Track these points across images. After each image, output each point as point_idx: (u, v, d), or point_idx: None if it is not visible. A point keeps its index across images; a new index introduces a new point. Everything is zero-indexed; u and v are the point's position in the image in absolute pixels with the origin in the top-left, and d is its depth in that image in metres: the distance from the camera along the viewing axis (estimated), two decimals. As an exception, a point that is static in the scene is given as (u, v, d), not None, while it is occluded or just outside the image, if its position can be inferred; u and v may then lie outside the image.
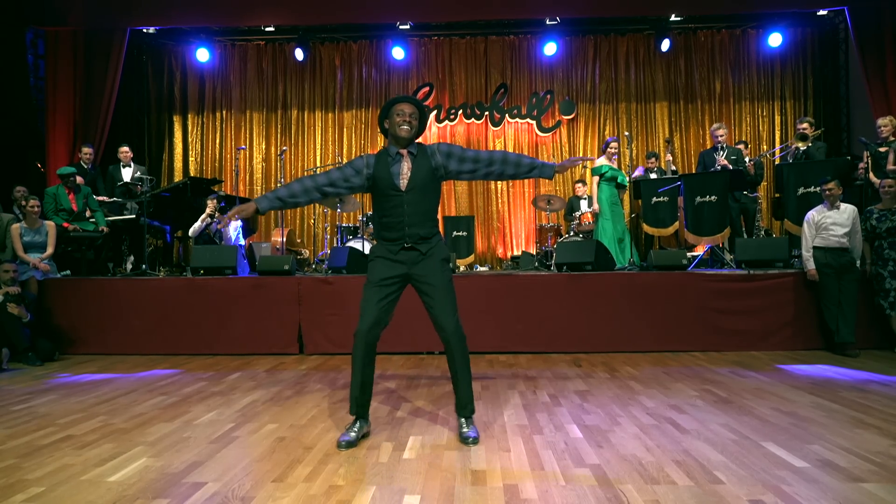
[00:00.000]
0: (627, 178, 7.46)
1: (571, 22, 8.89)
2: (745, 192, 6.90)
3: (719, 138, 6.84)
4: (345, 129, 9.49)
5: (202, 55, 9.16)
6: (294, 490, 2.33)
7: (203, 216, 6.80)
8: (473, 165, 2.91)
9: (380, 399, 3.75)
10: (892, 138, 5.94)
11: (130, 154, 7.53)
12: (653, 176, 7.54)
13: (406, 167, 2.81)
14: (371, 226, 7.30)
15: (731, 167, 6.59)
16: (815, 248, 5.07)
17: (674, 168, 7.92)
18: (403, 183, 2.80)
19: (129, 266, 7.32)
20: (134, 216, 7.09)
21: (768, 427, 3.04)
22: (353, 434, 2.85)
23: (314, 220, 9.08)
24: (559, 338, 5.32)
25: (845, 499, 2.18)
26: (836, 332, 4.95)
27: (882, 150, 5.92)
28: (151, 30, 8.88)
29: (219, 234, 6.99)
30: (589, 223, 7.41)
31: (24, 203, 5.90)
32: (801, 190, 6.13)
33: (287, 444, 2.88)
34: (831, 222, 5.01)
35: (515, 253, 8.93)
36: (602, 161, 7.29)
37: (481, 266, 8.68)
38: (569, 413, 3.37)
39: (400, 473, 2.49)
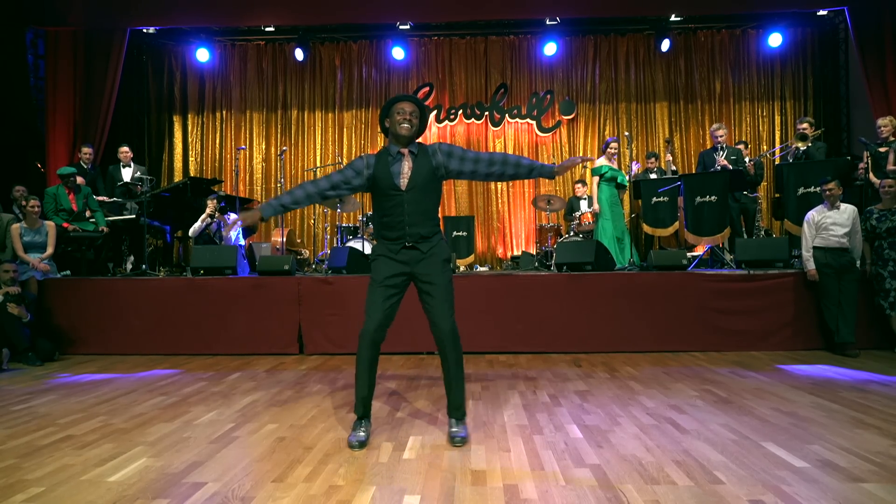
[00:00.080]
0: (627, 177, 7.46)
1: (571, 22, 8.89)
2: (745, 192, 6.90)
3: (719, 138, 6.84)
4: (345, 129, 9.49)
5: (202, 55, 9.16)
6: (294, 490, 2.33)
7: (203, 216, 6.81)
8: (474, 166, 2.90)
9: (380, 399, 3.75)
10: (892, 138, 5.94)
11: (130, 154, 7.54)
12: (653, 176, 7.54)
13: (407, 166, 2.81)
14: (371, 226, 7.30)
15: (730, 167, 6.59)
16: (815, 248, 5.08)
17: (674, 168, 7.92)
18: (404, 182, 2.79)
19: (129, 266, 7.32)
20: (134, 216, 7.09)
21: (768, 427, 3.04)
22: (363, 433, 2.84)
23: (314, 220, 9.08)
24: (559, 338, 5.32)
25: (845, 499, 2.18)
26: (836, 332, 4.95)
27: (882, 150, 5.93)
28: (151, 30, 8.88)
29: (219, 234, 6.99)
30: (589, 223, 7.42)
31: (24, 203, 5.90)
32: (801, 190, 6.13)
33: (287, 444, 2.88)
34: (831, 222, 5.01)
35: (515, 253, 8.93)
36: (602, 161, 7.30)
37: (481, 266, 8.68)
38: (569, 413, 3.37)
39: (400, 473, 2.49)
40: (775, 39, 8.73)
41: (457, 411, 2.93)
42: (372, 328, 2.79)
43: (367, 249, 6.70)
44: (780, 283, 5.28)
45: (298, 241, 9.16)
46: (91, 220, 6.51)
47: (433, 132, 9.30)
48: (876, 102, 7.27)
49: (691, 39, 9.17)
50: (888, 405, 3.42)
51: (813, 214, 5.14)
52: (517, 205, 9.30)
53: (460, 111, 9.30)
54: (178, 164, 9.56)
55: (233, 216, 7.22)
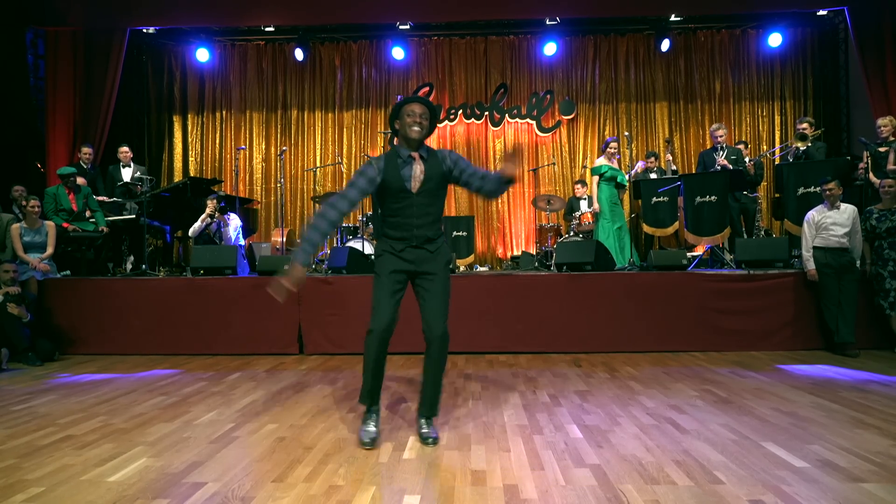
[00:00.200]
0: (627, 177, 7.46)
1: (571, 22, 8.88)
2: (745, 192, 6.90)
3: (719, 139, 6.84)
4: (345, 129, 9.49)
5: (202, 55, 9.16)
6: (294, 490, 2.33)
7: (203, 216, 6.80)
8: (469, 178, 2.88)
9: (380, 398, 3.74)
10: (891, 138, 5.94)
11: (130, 154, 7.53)
12: (653, 176, 7.54)
13: (418, 170, 2.79)
14: (371, 226, 7.30)
15: (730, 167, 6.59)
16: (815, 248, 5.08)
17: (674, 168, 7.92)
18: (415, 185, 2.78)
19: (129, 266, 7.32)
20: (134, 216, 7.09)
21: (768, 427, 3.04)
22: (373, 427, 2.85)
23: (314, 220, 9.07)
24: (559, 338, 5.32)
25: (845, 499, 2.18)
26: (836, 332, 4.96)
27: (882, 150, 5.93)
28: (151, 30, 8.88)
29: (218, 234, 6.99)
30: (589, 223, 7.42)
31: (24, 203, 5.90)
32: (800, 190, 6.13)
33: (287, 444, 2.88)
34: (831, 222, 5.01)
35: (515, 253, 8.93)
36: (602, 161, 7.30)
37: (481, 266, 8.68)
38: (569, 413, 3.37)
39: (400, 473, 2.49)
40: (775, 39, 8.73)
41: (432, 409, 2.94)
42: (383, 325, 2.78)
43: (368, 249, 6.69)
44: (780, 283, 5.28)
45: (298, 241, 9.14)
46: (91, 220, 6.51)
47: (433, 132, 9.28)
48: (876, 102, 7.27)
49: (691, 39, 9.17)
50: (888, 405, 3.42)
51: (813, 214, 5.14)
52: (517, 205, 9.30)
53: (460, 111, 9.30)
54: (178, 164, 9.56)
55: (233, 216, 7.23)
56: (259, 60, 9.52)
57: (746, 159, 6.96)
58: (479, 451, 2.74)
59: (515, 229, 9.28)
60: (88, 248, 6.47)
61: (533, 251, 7.93)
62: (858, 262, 5.09)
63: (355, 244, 6.76)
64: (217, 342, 5.45)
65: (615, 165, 7.31)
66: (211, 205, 6.80)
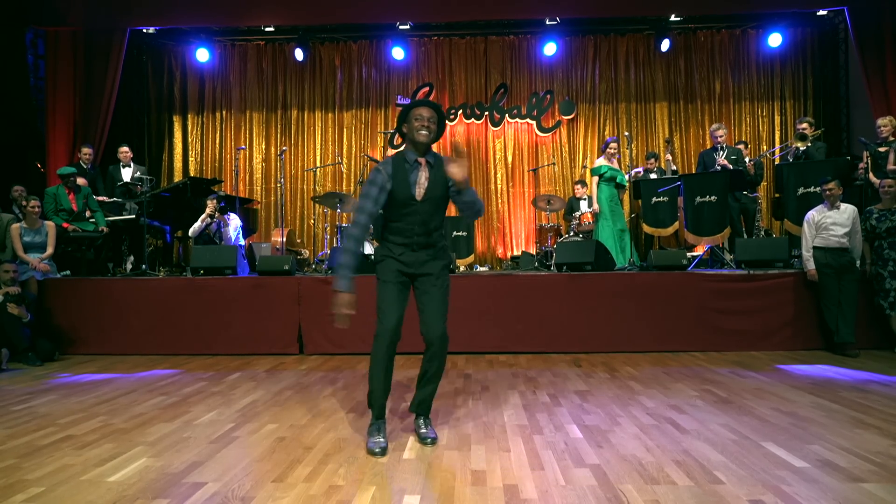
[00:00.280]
0: (627, 178, 7.46)
1: (571, 22, 8.88)
2: (745, 192, 6.90)
3: (719, 139, 6.84)
4: (345, 129, 9.48)
5: (202, 55, 9.15)
6: (294, 490, 2.33)
7: (203, 216, 6.80)
8: (454, 195, 2.87)
9: (380, 399, 3.75)
10: (891, 138, 5.94)
11: (130, 154, 7.54)
12: (653, 176, 7.54)
13: (424, 177, 2.80)
14: (371, 226, 7.27)
15: (731, 167, 6.59)
16: (815, 248, 5.08)
17: (674, 168, 7.92)
18: (420, 192, 2.79)
19: (129, 266, 7.32)
20: (134, 216, 7.09)
21: (768, 427, 3.04)
22: (382, 439, 2.80)
23: (314, 220, 9.08)
24: (559, 338, 5.32)
25: (845, 499, 2.18)
26: (836, 332, 4.96)
27: (882, 150, 5.93)
28: (151, 30, 8.87)
29: (218, 234, 6.99)
30: (589, 223, 7.42)
31: (24, 203, 5.90)
32: (800, 190, 6.14)
33: (287, 444, 2.88)
34: (831, 222, 5.01)
35: (515, 253, 8.93)
36: (601, 161, 7.30)
37: (481, 266, 8.67)
38: (569, 413, 3.37)
39: (400, 473, 2.49)
40: (775, 39, 8.73)
41: (425, 408, 2.95)
42: (391, 326, 2.76)
43: (368, 249, 6.69)
44: (780, 283, 5.28)
45: (298, 241, 9.15)
46: (91, 220, 6.51)
47: (433, 132, 9.29)
48: (876, 102, 7.26)
49: (691, 39, 9.17)
50: (888, 405, 3.42)
51: (813, 214, 5.14)
52: (517, 205, 9.30)
53: (460, 111, 9.30)
54: (178, 164, 9.56)
55: (233, 216, 7.23)
56: (259, 60, 9.51)
57: (746, 159, 6.96)
58: (479, 451, 2.74)
59: (515, 229, 9.28)
60: (88, 248, 6.47)
61: (533, 251, 7.93)
62: (858, 262, 5.09)
63: (355, 244, 6.74)
64: (217, 342, 5.45)
65: (615, 166, 7.31)
66: (211, 205, 6.80)
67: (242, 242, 7.38)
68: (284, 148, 8.78)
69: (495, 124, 9.29)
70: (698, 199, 6.32)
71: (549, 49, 8.94)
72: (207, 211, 6.80)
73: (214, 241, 6.87)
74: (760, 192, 7.52)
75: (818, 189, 5.45)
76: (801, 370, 4.45)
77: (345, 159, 9.36)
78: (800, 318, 5.24)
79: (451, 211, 9.10)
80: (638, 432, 2.99)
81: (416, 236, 2.83)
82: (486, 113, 9.30)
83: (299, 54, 8.99)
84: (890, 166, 5.76)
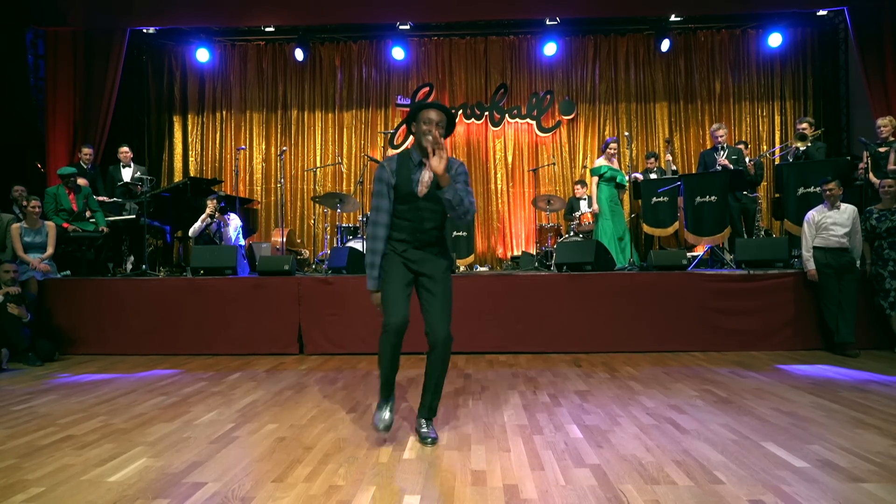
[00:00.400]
0: (627, 179, 7.47)
1: (571, 22, 8.88)
2: (745, 192, 6.90)
3: (719, 138, 6.84)
4: (345, 129, 9.48)
5: (202, 55, 9.15)
6: (294, 490, 2.33)
7: (203, 216, 6.80)
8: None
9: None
10: (891, 138, 5.94)
11: (130, 154, 7.54)
12: (653, 176, 7.54)
13: (427, 176, 2.80)
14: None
15: (731, 167, 6.59)
16: (815, 248, 5.08)
17: (674, 168, 7.92)
18: (422, 190, 2.81)
19: (129, 266, 7.32)
20: (134, 216, 7.09)
21: (768, 427, 3.04)
22: (387, 414, 2.85)
23: (314, 220, 9.08)
24: (559, 338, 5.32)
25: (845, 499, 2.18)
26: (836, 332, 4.96)
27: (882, 150, 5.93)
28: (151, 30, 8.87)
29: (218, 234, 6.99)
30: (589, 223, 7.42)
31: (24, 203, 5.90)
32: (800, 190, 6.14)
33: (287, 444, 2.89)
34: (831, 222, 5.01)
35: (515, 253, 8.93)
36: (601, 162, 7.30)
37: (481, 266, 8.68)
38: (569, 413, 3.37)
39: (400, 473, 2.49)
40: (775, 39, 8.73)
41: (432, 412, 2.96)
42: (398, 319, 2.75)
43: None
44: (780, 283, 5.28)
45: (298, 241, 9.15)
46: (91, 220, 6.51)
47: (433, 132, 9.28)
48: (876, 102, 7.26)
49: (691, 39, 9.17)
50: (888, 405, 3.42)
51: (813, 214, 5.14)
52: (517, 205, 9.30)
53: (460, 111, 9.30)
54: (178, 164, 9.56)
55: (233, 216, 7.23)
56: (259, 60, 9.51)
57: (747, 159, 6.96)
58: (479, 451, 2.74)
59: (515, 229, 9.28)
60: (88, 249, 6.47)
61: (533, 251, 7.94)
62: (858, 262, 5.09)
63: (355, 244, 6.76)
64: (217, 342, 5.45)
65: (615, 166, 7.31)
66: (211, 205, 6.80)
67: (242, 242, 7.38)
68: (284, 148, 8.78)
69: (495, 124, 9.29)
70: (698, 199, 6.32)
71: (549, 49, 8.94)
72: (207, 211, 6.80)
73: (214, 241, 6.87)
74: (760, 192, 7.52)
75: (818, 189, 5.45)
76: (801, 370, 4.45)
77: (345, 159, 9.36)
78: (800, 318, 5.24)
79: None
80: (638, 432, 2.99)
81: (419, 233, 2.84)
82: (486, 113, 9.30)
83: (299, 54, 9.00)
84: (890, 166, 5.76)
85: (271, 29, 8.97)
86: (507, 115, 9.30)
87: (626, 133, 8.54)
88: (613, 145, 7.30)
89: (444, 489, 2.32)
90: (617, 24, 9.08)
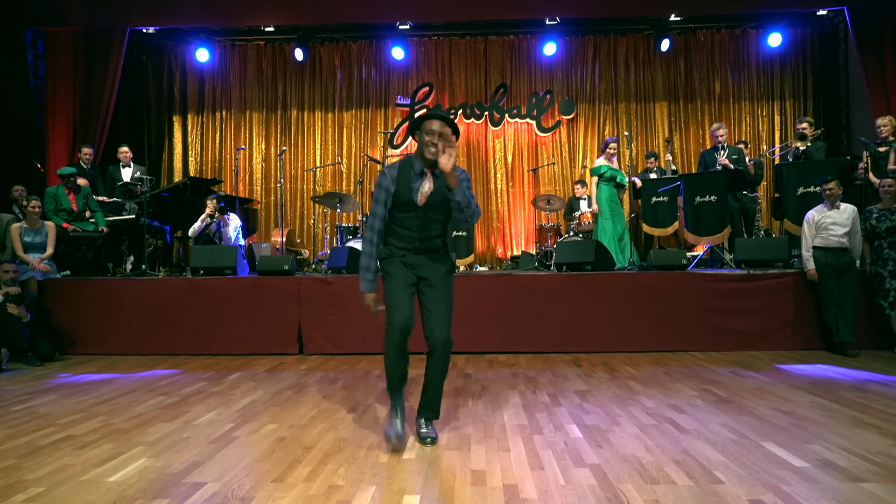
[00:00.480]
0: (627, 179, 7.47)
1: (571, 22, 8.88)
2: (745, 192, 6.90)
3: (720, 138, 6.85)
4: (344, 129, 9.48)
5: (202, 55, 9.15)
6: (294, 490, 2.33)
7: (203, 216, 6.80)
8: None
9: (379, 399, 3.75)
10: (891, 138, 5.94)
11: (130, 154, 7.54)
12: (652, 176, 7.54)
13: (427, 186, 2.81)
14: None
15: (732, 167, 6.60)
16: (814, 247, 5.08)
17: (674, 168, 7.92)
18: (421, 200, 2.81)
19: (129, 266, 7.32)
20: (134, 216, 7.09)
21: (768, 427, 3.04)
22: (399, 425, 2.82)
23: (314, 220, 9.08)
24: (559, 338, 5.32)
25: (845, 499, 2.18)
26: (836, 332, 4.96)
27: (882, 149, 5.93)
28: (151, 30, 8.87)
29: (218, 234, 6.99)
30: (588, 223, 7.42)
31: (24, 203, 5.90)
32: (800, 190, 6.14)
33: (287, 444, 2.89)
34: (831, 222, 5.01)
35: (515, 253, 8.93)
36: (601, 161, 7.30)
37: (481, 266, 8.68)
38: (569, 413, 3.37)
39: (400, 473, 2.49)
40: (775, 39, 8.73)
41: (433, 413, 2.96)
42: (402, 320, 2.74)
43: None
44: (779, 283, 5.28)
45: (298, 241, 9.15)
46: (91, 220, 6.51)
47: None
48: (876, 102, 7.26)
49: (691, 39, 9.16)
50: (888, 405, 3.42)
51: (813, 214, 5.14)
52: (517, 205, 9.30)
53: (460, 111, 9.30)
54: (177, 164, 9.56)
55: (233, 216, 7.23)
56: (259, 60, 9.51)
57: (747, 159, 6.96)
58: (479, 451, 2.75)
59: (515, 229, 9.28)
60: (88, 249, 6.47)
61: (533, 251, 7.94)
62: (858, 262, 5.09)
63: (355, 244, 6.75)
64: (217, 342, 5.45)
65: (615, 166, 7.31)
66: (211, 205, 6.80)
67: (242, 242, 7.38)
68: (284, 148, 8.78)
69: (495, 124, 9.29)
70: (698, 198, 6.32)
71: (549, 49, 8.94)
72: (207, 211, 6.80)
73: (214, 241, 6.87)
74: (760, 192, 7.52)
75: (818, 189, 5.45)
76: (800, 370, 4.45)
77: (345, 159, 9.36)
78: (800, 318, 5.24)
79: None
80: (638, 432, 2.99)
81: (417, 241, 2.85)
82: (486, 113, 9.30)
83: (299, 54, 9.00)
84: (890, 166, 5.77)
85: (271, 29, 8.97)
86: (506, 115, 9.29)
87: (626, 133, 8.54)
88: (613, 145, 7.30)
89: (443, 489, 2.32)
90: (617, 23, 9.08)
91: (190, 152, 9.57)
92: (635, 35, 9.18)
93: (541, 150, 9.31)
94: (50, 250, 5.86)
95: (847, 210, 5.02)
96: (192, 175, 9.18)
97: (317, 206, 8.55)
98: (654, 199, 6.78)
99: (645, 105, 9.24)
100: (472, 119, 9.32)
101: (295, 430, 3.11)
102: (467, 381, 4.24)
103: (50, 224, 5.95)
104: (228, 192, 8.19)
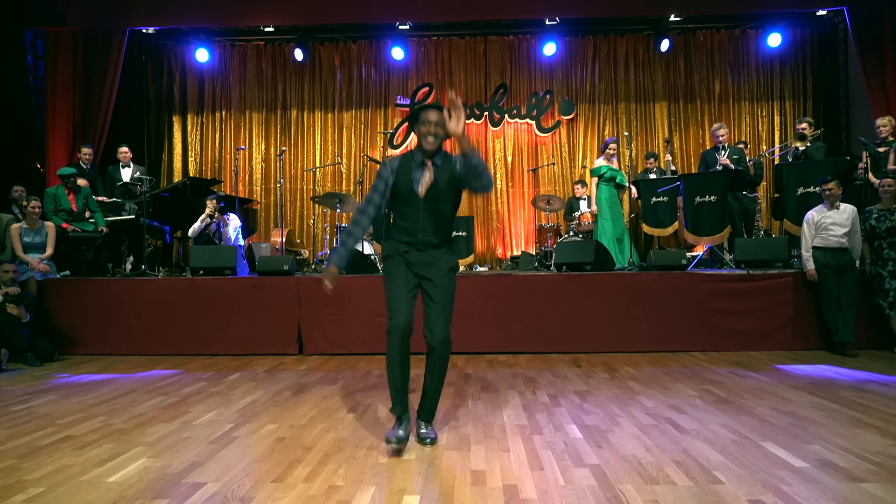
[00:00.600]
0: (627, 180, 7.47)
1: (571, 22, 8.88)
2: (744, 192, 6.91)
3: (720, 138, 6.85)
4: (344, 130, 9.48)
5: (202, 55, 9.15)
6: (294, 490, 2.33)
7: (202, 216, 6.80)
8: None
9: (380, 398, 3.75)
10: (891, 138, 5.95)
11: (130, 154, 7.53)
12: (652, 176, 7.55)
13: (428, 175, 2.80)
14: (371, 226, 7.30)
15: (732, 167, 6.60)
16: (814, 248, 5.08)
17: (673, 168, 7.92)
18: (422, 190, 2.79)
19: (129, 266, 7.31)
20: (133, 216, 7.09)
21: (768, 427, 3.04)
22: (402, 431, 2.77)
23: (314, 220, 9.08)
24: (559, 338, 5.32)
25: (845, 499, 2.18)
26: (836, 332, 4.96)
27: (881, 150, 5.93)
28: (151, 30, 8.86)
29: (218, 234, 6.99)
30: (588, 223, 7.42)
31: (24, 203, 5.90)
32: (800, 190, 6.14)
33: (287, 445, 2.88)
34: (831, 222, 5.01)
35: (515, 253, 8.93)
36: (601, 162, 7.30)
37: (481, 266, 8.68)
38: (568, 413, 3.37)
39: (400, 473, 2.49)
40: (774, 39, 8.73)
41: (430, 414, 2.94)
42: (401, 322, 2.72)
43: (367, 249, 6.70)
44: (779, 283, 5.28)
45: (298, 241, 9.15)
46: (90, 220, 6.51)
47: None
48: (875, 102, 7.27)
49: (691, 39, 9.17)
50: (887, 405, 3.43)
51: (812, 214, 5.14)
52: (517, 205, 9.30)
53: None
54: (177, 164, 9.56)
55: (232, 216, 7.23)
56: (259, 60, 9.51)
57: (747, 159, 6.97)
58: (479, 451, 2.75)
59: (515, 229, 9.28)
60: (88, 249, 6.47)
61: (533, 251, 7.94)
62: (858, 262, 5.09)
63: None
64: (217, 342, 5.45)
65: (615, 166, 7.31)
66: (210, 205, 6.80)
67: (242, 243, 7.38)
68: (284, 148, 8.78)
69: (495, 124, 9.29)
70: (698, 199, 6.32)
71: (549, 49, 8.94)
72: (207, 211, 6.80)
73: (214, 242, 6.87)
74: (760, 192, 7.52)
75: (818, 189, 5.45)
76: (800, 370, 4.45)
77: (344, 159, 9.36)
78: (799, 318, 5.24)
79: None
80: (637, 432, 2.99)
81: (421, 234, 2.81)
82: (486, 113, 9.29)
83: (299, 54, 8.99)
84: (889, 166, 5.77)
85: (271, 29, 8.96)
86: (506, 115, 9.30)
87: (626, 133, 8.54)
88: (613, 145, 7.30)
89: (443, 489, 2.32)
90: (616, 24, 9.08)
91: (190, 152, 9.57)
92: (635, 35, 9.18)
93: (541, 150, 9.31)
94: (49, 250, 5.86)
95: (847, 210, 5.02)
96: (191, 175, 9.18)
97: (316, 206, 8.55)
98: (653, 199, 6.78)
99: (645, 105, 9.24)
100: (472, 119, 9.32)
101: (295, 431, 3.11)
102: (467, 381, 4.24)
103: (49, 224, 5.95)
104: (228, 193, 8.19)
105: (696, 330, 5.27)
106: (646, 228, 6.93)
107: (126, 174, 7.42)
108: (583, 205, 7.78)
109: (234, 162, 8.74)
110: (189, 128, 9.59)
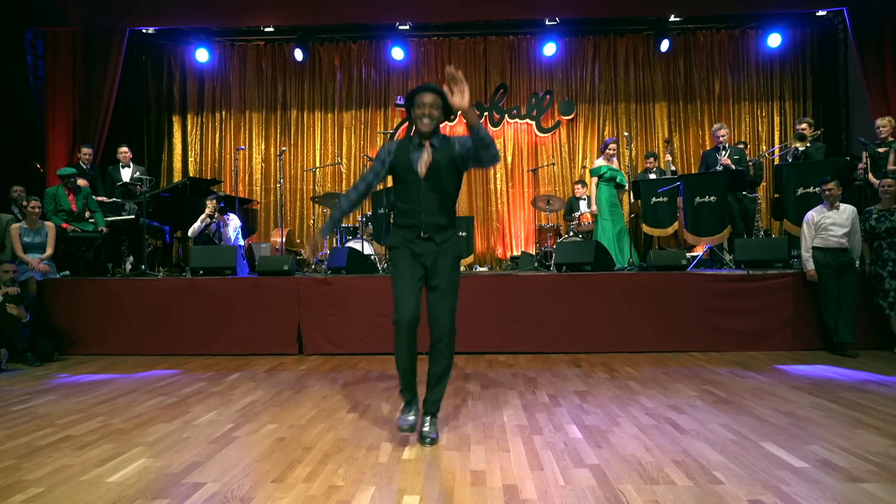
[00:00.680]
0: (627, 179, 7.47)
1: (571, 22, 8.88)
2: (744, 193, 6.91)
3: (721, 138, 6.85)
4: (344, 130, 9.48)
5: (201, 55, 9.16)
6: (294, 490, 2.33)
7: (202, 216, 6.80)
8: (468, 150, 2.80)
9: (380, 398, 3.75)
10: (890, 138, 5.95)
11: (130, 154, 7.53)
12: (652, 176, 7.55)
13: (427, 154, 2.80)
14: (370, 226, 7.32)
15: (733, 167, 6.60)
16: (814, 248, 5.08)
17: (673, 168, 7.93)
18: (422, 169, 2.79)
19: (129, 266, 7.32)
20: (133, 216, 7.09)
21: (767, 427, 3.04)
22: (412, 416, 2.85)
23: (314, 220, 9.08)
24: (559, 338, 5.32)
25: (844, 499, 2.18)
26: (836, 333, 4.96)
27: (881, 150, 5.93)
28: (151, 30, 8.86)
29: (218, 234, 6.99)
30: (588, 223, 7.42)
31: (24, 203, 5.90)
32: (800, 190, 6.14)
33: (287, 445, 2.88)
34: (830, 222, 5.01)
35: (515, 253, 8.93)
36: (601, 162, 7.30)
37: (481, 266, 8.68)
38: (568, 413, 3.37)
39: (400, 473, 2.49)
40: (774, 40, 8.73)
41: (434, 405, 2.94)
42: (408, 314, 2.72)
43: (367, 250, 6.70)
44: (779, 283, 5.28)
45: (298, 241, 9.15)
46: (90, 220, 6.51)
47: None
48: (875, 102, 7.27)
49: (690, 40, 9.17)
50: (887, 405, 3.43)
51: (812, 214, 5.14)
52: (517, 205, 9.30)
53: (459, 111, 9.28)
54: (177, 164, 9.56)
55: (232, 216, 7.23)
56: (259, 61, 9.51)
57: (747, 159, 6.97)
58: (479, 452, 2.75)
59: (515, 229, 9.28)
60: (88, 249, 6.47)
61: (532, 251, 7.94)
62: (858, 263, 5.09)
63: (355, 244, 6.76)
64: (217, 342, 5.45)
65: (614, 166, 7.32)
66: (210, 205, 6.81)
67: (242, 243, 7.38)
68: (284, 148, 8.78)
69: (495, 124, 9.30)
70: (698, 199, 6.33)
71: (549, 49, 8.95)
72: (207, 211, 6.80)
73: (214, 242, 6.87)
74: (760, 193, 7.52)
75: (817, 189, 5.45)
76: (800, 370, 4.45)
77: (344, 159, 9.36)
78: (799, 319, 5.24)
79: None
80: (637, 432, 2.99)
81: (423, 215, 2.79)
82: (486, 113, 9.30)
83: (299, 54, 9.00)
84: (889, 166, 5.77)
85: (271, 29, 8.97)
86: (506, 116, 9.30)
87: (626, 133, 8.54)
88: (613, 146, 7.31)
89: (443, 489, 2.32)
90: (616, 24, 9.08)
91: (189, 152, 9.57)
92: (635, 35, 9.18)
93: (540, 150, 9.32)
94: (49, 250, 5.86)
95: (846, 210, 5.02)
96: (191, 175, 9.18)
97: (316, 206, 8.55)
98: (653, 199, 6.78)
99: (644, 105, 9.25)
100: (472, 119, 9.31)
101: (294, 431, 3.11)
102: (467, 381, 4.24)
103: (49, 224, 5.95)
104: (228, 193, 8.19)
105: (696, 330, 5.27)
106: (646, 228, 6.94)
107: (126, 174, 7.42)
108: (583, 205, 7.78)
109: (234, 162, 8.74)
110: (189, 128, 9.59)
